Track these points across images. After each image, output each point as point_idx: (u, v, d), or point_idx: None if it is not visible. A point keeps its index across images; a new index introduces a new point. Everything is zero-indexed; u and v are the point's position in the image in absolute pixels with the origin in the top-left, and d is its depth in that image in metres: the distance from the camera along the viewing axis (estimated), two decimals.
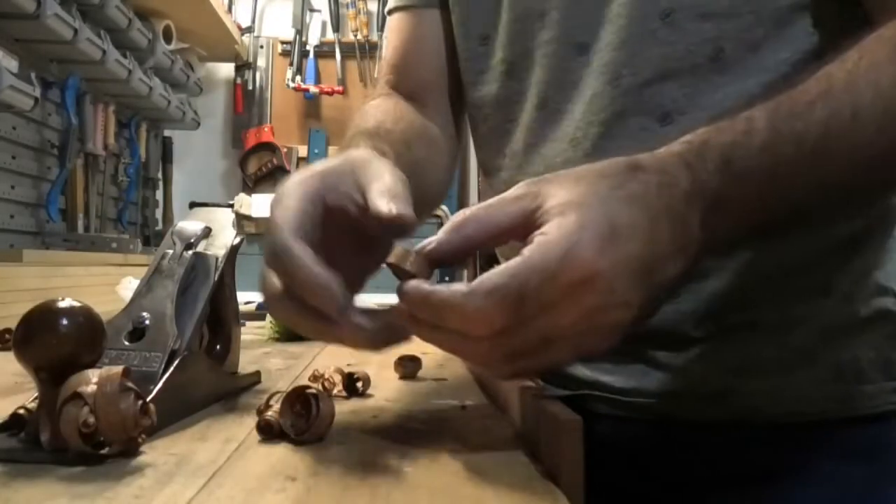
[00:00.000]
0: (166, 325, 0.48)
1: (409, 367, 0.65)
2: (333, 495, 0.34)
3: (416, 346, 0.48)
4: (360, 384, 0.57)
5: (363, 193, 0.45)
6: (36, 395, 0.40)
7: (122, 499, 0.32)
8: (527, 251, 0.38)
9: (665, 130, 0.58)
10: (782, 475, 0.59)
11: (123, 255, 1.74)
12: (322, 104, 2.72)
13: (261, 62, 2.75)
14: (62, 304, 0.39)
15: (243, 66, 2.74)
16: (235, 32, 2.53)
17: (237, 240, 0.58)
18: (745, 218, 0.45)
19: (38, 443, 0.38)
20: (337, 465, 0.38)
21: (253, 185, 2.67)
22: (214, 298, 0.55)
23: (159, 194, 2.57)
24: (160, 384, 0.46)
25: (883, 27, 0.50)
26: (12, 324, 0.42)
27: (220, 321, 0.58)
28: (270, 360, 0.76)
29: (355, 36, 2.68)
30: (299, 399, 0.43)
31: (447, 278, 2.43)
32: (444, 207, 2.27)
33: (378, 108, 0.69)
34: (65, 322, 0.38)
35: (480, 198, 2.56)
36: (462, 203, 2.61)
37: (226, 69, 2.76)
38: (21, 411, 0.41)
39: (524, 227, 0.40)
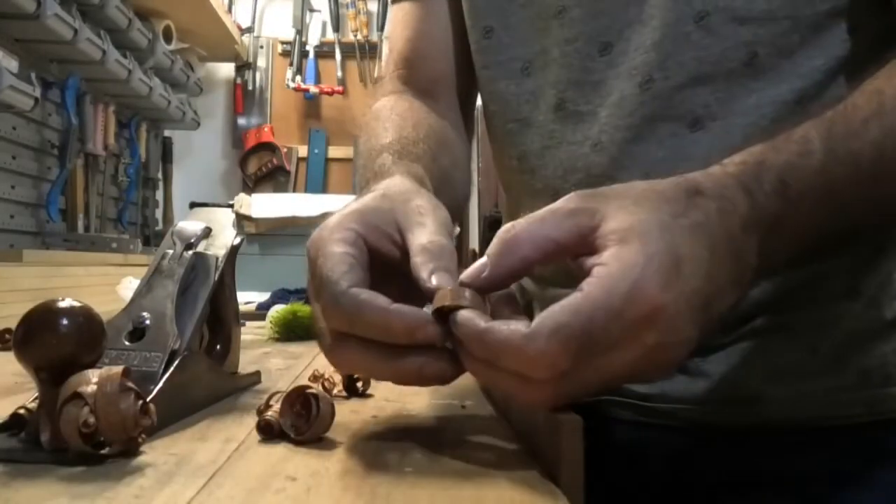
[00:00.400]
0: (166, 325, 0.48)
1: None
2: (333, 495, 0.34)
3: None
4: (360, 384, 0.57)
5: (403, 235, 0.43)
6: (36, 395, 0.40)
7: (122, 499, 0.32)
8: (587, 287, 0.36)
9: (695, 136, 0.57)
10: (809, 480, 0.58)
11: (123, 255, 1.74)
12: (322, 104, 2.72)
13: (261, 62, 2.76)
14: (62, 304, 0.39)
15: (243, 66, 2.74)
16: (235, 32, 2.53)
17: (237, 240, 0.58)
18: (799, 240, 0.44)
19: (38, 443, 0.38)
20: (337, 465, 0.38)
21: (253, 185, 2.67)
22: (214, 298, 0.55)
23: (159, 194, 2.57)
24: (160, 384, 0.46)
25: None
26: (12, 324, 0.42)
27: (220, 321, 0.58)
28: (270, 360, 0.76)
29: (355, 36, 2.68)
30: (299, 399, 0.43)
31: None
32: None
33: (393, 110, 0.67)
34: (65, 322, 0.38)
35: (481, 198, 2.57)
36: None
37: (226, 69, 2.76)
38: (21, 411, 0.40)
39: (578, 246, 0.38)
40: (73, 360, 0.38)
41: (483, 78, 0.70)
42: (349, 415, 0.50)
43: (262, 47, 2.76)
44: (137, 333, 0.48)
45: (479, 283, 0.39)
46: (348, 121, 2.68)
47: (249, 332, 0.99)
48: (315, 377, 0.57)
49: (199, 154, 2.73)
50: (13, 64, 1.40)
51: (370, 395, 0.56)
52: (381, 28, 2.68)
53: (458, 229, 2.40)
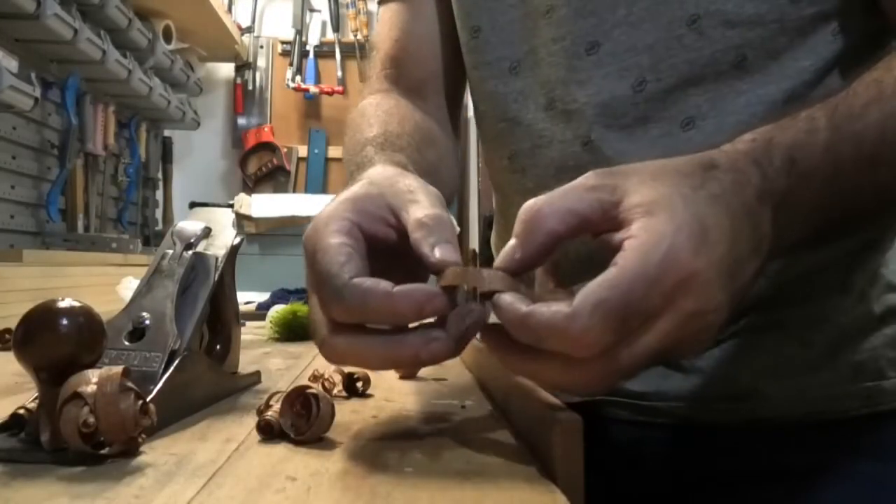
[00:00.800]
0: (166, 325, 0.48)
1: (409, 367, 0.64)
2: (333, 495, 0.34)
3: None
4: (360, 384, 0.57)
5: (397, 215, 0.43)
6: (36, 395, 0.40)
7: (122, 499, 0.32)
8: (621, 260, 0.36)
9: (688, 135, 0.58)
10: (805, 474, 0.59)
11: (123, 255, 1.74)
12: (322, 104, 2.72)
13: (261, 62, 2.76)
14: (62, 304, 0.39)
15: (243, 66, 2.74)
16: (235, 32, 2.53)
17: (237, 240, 0.58)
18: (806, 218, 0.44)
19: (38, 443, 0.38)
20: (337, 465, 0.38)
21: (253, 185, 2.67)
22: (214, 298, 0.55)
23: (159, 194, 2.57)
24: (160, 384, 0.46)
25: None
26: (12, 324, 0.42)
27: (220, 321, 0.58)
28: (270, 360, 0.76)
29: (355, 36, 2.68)
30: (299, 399, 0.43)
31: None
32: None
33: (379, 107, 0.67)
34: (65, 322, 0.38)
35: (481, 198, 2.57)
36: (462, 202, 2.61)
37: (226, 69, 2.76)
38: (21, 411, 0.40)
39: (601, 220, 0.38)
40: (73, 360, 0.38)
41: (473, 78, 0.70)
42: (349, 415, 0.50)
43: (262, 47, 2.76)
44: (137, 333, 0.48)
45: (514, 266, 0.38)
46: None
47: (249, 332, 1.00)
48: (315, 377, 0.57)
49: (199, 154, 2.74)
50: (13, 64, 1.40)
51: (370, 395, 0.56)
52: None
53: (458, 229, 2.40)
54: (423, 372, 0.65)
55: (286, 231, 1.99)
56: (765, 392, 0.59)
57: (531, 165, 0.65)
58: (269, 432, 0.43)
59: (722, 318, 0.38)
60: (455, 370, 0.69)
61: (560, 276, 0.42)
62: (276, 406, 0.44)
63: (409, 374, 0.64)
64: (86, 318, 0.39)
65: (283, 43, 2.75)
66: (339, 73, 2.69)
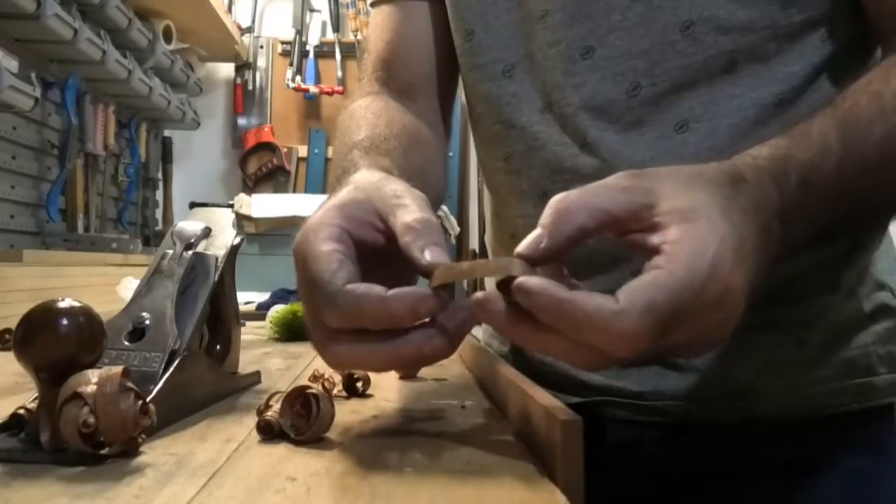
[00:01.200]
0: (166, 325, 0.48)
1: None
2: (333, 495, 0.34)
3: None
4: (360, 384, 0.57)
5: (384, 219, 0.43)
6: (36, 395, 0.40)
7: (122, 499, 0.32)
8: (668, 265, 0.36)
9: (682, 137, 0.59)
10: (800, 470, 0.61)
11: (123, 255, 1.74)
12: (322, 104, 2.72)
13: (261, 62, 2.75)
14: (62, 304, 0.39)
15: (243, 66, 2.74)
16: (235, 32, 2.53)
17: (237, 240, 0.58)
18: (811, 230, 0.46)
19: (38, 443, 0.38)
20: (337, 465, 0.38)
21: (253, 185, 2.67)
22: (214, 298, 0.55)
23: (159, 194, 2.57)
24: (160, 384, 0.46)
25: None
26: (12, 324, 0.42)
27: (220, 321, 0.58)
28: (270, 360, 0.76)
29: (355, 36, 2.68)
30: (299, 399, 0.43)
31: None
32: (444, 207, 2.27)
33: (368, 109, 0.68)
34: (65, 322, 0.38)
35: (481, 198, 2.56)
36: (462, 203, 2.61)
37: (226, 69, 2.76)
38: (21, 411, 0.41)
39: (630, 221, 0.38)
40: (73, 360, 0.38)
41: (468, 80, 0.71)
42: (349, 415, 0.50)
43: (262, 47, 2.76)
44: (137, 333, 0.48)
45: (538, 254, 0.38)
46: None
47: (249, 332, 1.00)
48: (315, 377, 0.57)
49: (199, 154, 2.73)
50: (13, 64, 1.40)
51: (370, 395, 0.56)
52: None
53: (458, 229, 2.40)
54: (423, 372, 0.65)
55: (286, 231, 1.99)
56: (761, 390, 0.60)
57: (526, 167, 0.66)
58: (269, 432, 0.43)
59: (734, 326, 0.38)
60: (455, 370, 0.69)
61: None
62: (276, 406, 0.44)
63: (409, 374, 0.64)
64: (86, 318, 0.39)
65: (283, 43, 2.75)
66: (339, 74, 2.69)
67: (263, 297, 1.57)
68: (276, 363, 0.74)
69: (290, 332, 0.93)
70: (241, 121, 2.73)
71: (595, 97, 0.61)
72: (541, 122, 0.64)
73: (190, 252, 0.53)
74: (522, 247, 0.38)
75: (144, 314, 0.49)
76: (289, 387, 0.46)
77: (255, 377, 0.62)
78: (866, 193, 0.48)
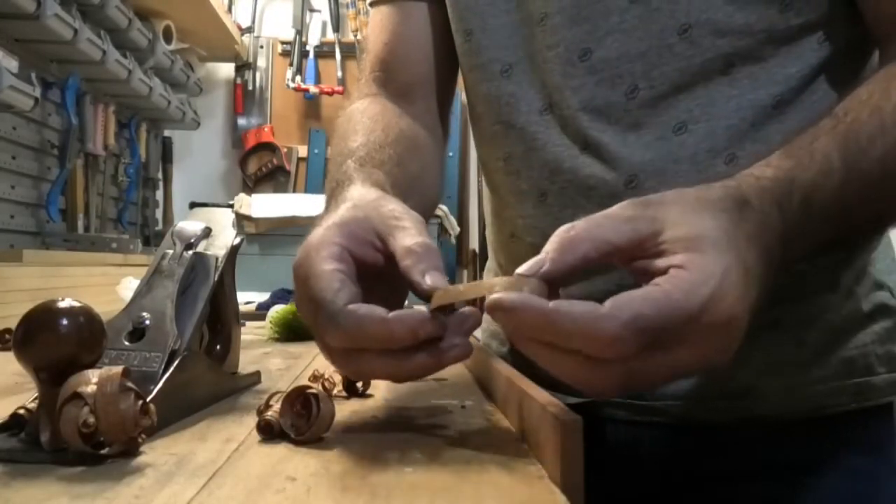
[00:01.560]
0: (166, 325, 0.48)
1: None
2: (333, 495, 0.34)
3: None
4: (360, 384, 0.57)
5: (384, 240, 0.44)
6: (36, 395, 0.40)
7: (122, 499, 0.32)
8: (666, 284, 0.37)
9: (681, 139, 0.59)
10: (800, 469, 0.61)
11: (123, 255, 1.74)
12: (322, 104, 2.72)
13: (261, 62, 2.75)
14: (62, 304, 0.39)
15: (243, 66, 2.74)
16: (235, 32, 2.53)
17: (237, 240, 0.58)
18: (811, 246, 0.46)
19: (38, 443, 0.38)
20: (337, 465, 0.38)
21: (253, 185, 2.67)
22: (214, 298, 0.55)
23: (159, 194, 2.57)
24: (160, 384, 0.46)
25: None
26: (12, 324, 0.42)
27: (220, 321, 0.58)
28: (270, 360, 0.76)
29: (355, 36, 2.68)
30: (299, 399, 0.43)
31: (447, 278, 2.42)
32: (444, 207, 2.27)
33: (365, 113, 0.68)
34: (65, 322, 0.38)
35: (481, 198, 2.56)
36: (462, 203, 2.61)
37: (226, 69, 2.76)
38: (21, 411, 0.41)
39: (635, 250, 0.39)
40: (73, 360, 0.38)
41: (469, 80, 0.71)
42: (349, 415, 0.50)
43: (262, 47, 2.76)
44: (137, 333, 0.48)
45: (539, 276, 0.39)
46: None
47: (249, 332, 1.00)
48: (315, 377, 0.57)
49: (199, 154, 2.73)
50: (13, 64, 1.40)
51: (370, 395, 0.56)
52: None
53: (458, 229, 2.40)
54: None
55: (286, 231, 1.99)
56: (761, 390, 0.60)
57: (525, 168, 0.66)
58: (269, 432, 0.43)
59: (732, 355, 0.39)
60: (455, 370, 0.69)
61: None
62: (276, 406, 0.44)
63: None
64: (86, 318, 0.39)
65: (283, 43, 2.75)
66: (339, 74, 2.69)
67: (263, 297, 1.57)
68: (276, 363, 0.74)
69: (290, 332, 0.93)
70: (241, 121, 2.73)
71: (593, 99, 0.62)
72: (540, 122, 0.65)
73: (190, 252, 0.53)
74: (523, 269, 0.39)
75: (144, 314, 0.49)
76: (289, 387, 0.46)
77: (255, 377, 0.62)
78: (867, 209, 0.48)
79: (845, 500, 0.61)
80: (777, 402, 0.60)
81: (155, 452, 0.39)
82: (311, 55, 2.72)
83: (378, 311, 0.40)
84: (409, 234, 0.44)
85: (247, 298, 1.61)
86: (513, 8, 0.66)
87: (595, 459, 0.41)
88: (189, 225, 0.55)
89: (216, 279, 0.54)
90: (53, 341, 0.38)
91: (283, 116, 2.74)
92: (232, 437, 0.43)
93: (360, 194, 0.49)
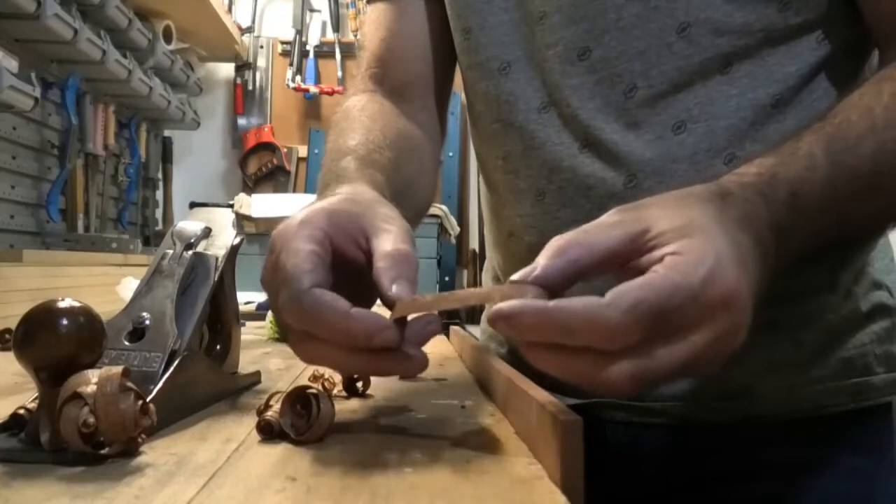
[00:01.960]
0: (166, 325, 0.48)
1: None
2: (333, 495, 0.34)
3: None
4: (360, 384, 0.57)
5: (368, 239, 0.44)
6: (36, 395, 0.40)
7: (122, 499, 0.32)
8: (663, 269, 0.36)
9: (680, 138, 0.59)
10: (798, 469, 0.61)
11: (123, 255, 1.74)
12: (322, 104, 2.72)
13: (261, 62, 2.75)
14: (62, 304, 0.39)
15: (243, 66, 2.74)
16: (235, 32, 2.53)
17: (237, 240, 0.58)
18: (803, 244, 0.46)
19: (38, 443, 0.38)
20: (337, 465, 0.38)
21: (253, 185, 2.67)
22: (214, 298, 0.55)
23: (159, 194, 2.57)
24: (160, 384, 0.46)
25: None
26: (12, 324, 0.42)
27: (220, 321, 0.58)
28: (270, 360, 0.76)
29: (355, 36, 2.68)
30: (299, 399, 0.43)
31: (447, 278, 2.43)
32: (444, 207, 2.27)
33: (363, 111, 0.68)
34: (65, 322, 0.38)
35: (481, 198, 2.57)
36: (462, 203, 2.61)
37: (226, 69, 2.76)
38: (21, 411, 0.41)
39: (629, 251, 0.39)
40: (73, 360, 0.38)
41: (468, 79, 0.71)
42: (349, 415, 0.50)
43: (262, 47, 2.76)
44: (137, 333, 0.48)
45: (530, 281, 0.39)
46: None
47: (249, 332, 1.00)
48: (315, 377, 0.57)
49: (199, 154, 2.73)
50: (13, 64, 1.40)
51: (370, 395, 0.56)
52: None
53: (458, 229, 2.40)
54: (423, 372, 0.65)
55: None
56: (759, 390, 0.60)
57: (524, 167, 0.66)
58: (269, 432, 0.43)
59: (743, 338, 0.39)
60: (455, 370, 0.69)
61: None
62: (276, 406, 0.44)
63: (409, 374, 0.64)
64: (86, 318, 0.39)
65: (283, 43, 2.75)
66: (339, 73, 2.69)
67: (263, 297, 1.56)
68: (276, 363, 0.74)
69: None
70: (241, 121, 2.74)
71: (592, 98, 0.61)
72: (539, 121, 0.65)
73: (190, 252, 0.53)
74: (515, 277, 0.39)
75: (144, 314, 0.49)
76: (289, 387, 0.46)
77: (255, 377, 0.62)
78: (861, 206, 0.48)
79: (844, 499, 0.61)
80: (776, 403, 0.60)
81: (155, 452, 0.39)
82: (311, 55, 2.72)
83: (342, 302, 0.39)
84: (391, 240, 0.43)
85: (247, 298, 1.61)
86: (512, 6, 0.66)
87: (595, 460, 0.41)
88: (189, 225, 0.55)
89: (216, 279, 0.54)
90: (53, 341, 0.38)
91: (283, 116, 2.74)
92: (232, 437, 0.43)
93: (359, 191, 0.49)
